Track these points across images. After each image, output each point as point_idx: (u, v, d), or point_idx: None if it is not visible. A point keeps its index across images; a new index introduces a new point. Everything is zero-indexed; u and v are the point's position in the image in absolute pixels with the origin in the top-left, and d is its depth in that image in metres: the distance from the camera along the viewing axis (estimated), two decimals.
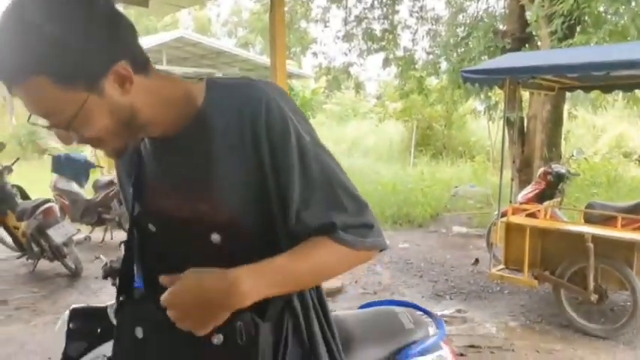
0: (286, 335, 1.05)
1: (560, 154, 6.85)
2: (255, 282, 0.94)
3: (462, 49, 8.86)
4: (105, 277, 1.90)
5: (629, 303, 4.06)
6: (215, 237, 1.01)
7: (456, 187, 8.74)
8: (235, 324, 0.96)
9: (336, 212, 1.00)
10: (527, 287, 4.83)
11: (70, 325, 1.81)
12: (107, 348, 1.79)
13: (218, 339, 0.98)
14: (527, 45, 7.42)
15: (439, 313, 4.60)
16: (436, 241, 7.25)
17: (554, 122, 6.92)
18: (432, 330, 2.22)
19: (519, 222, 4.47)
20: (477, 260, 4.99)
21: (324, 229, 1.00)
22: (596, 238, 4.00)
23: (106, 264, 1.90)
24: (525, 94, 7.41)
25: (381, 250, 1.09)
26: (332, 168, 1.02)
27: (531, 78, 4.65)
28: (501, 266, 4.68)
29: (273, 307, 1.03)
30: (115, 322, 1.82)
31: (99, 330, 1.82)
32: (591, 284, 4.01)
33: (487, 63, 5.56)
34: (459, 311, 4.69)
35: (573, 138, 9.50)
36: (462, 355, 3.82)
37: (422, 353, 2.12)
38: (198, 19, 32.53)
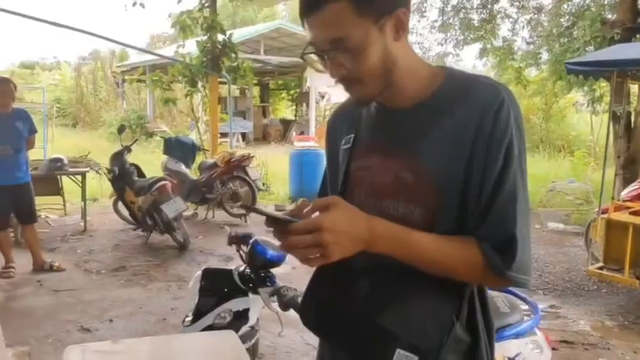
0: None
1: None
2: (386, 241, 1.03)
3: (566, 39, 8.50)
4: (230, 243, 2.17)
5: None
6: (409, 207, 1.10)
7: (554, 182, 8.45)
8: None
9: (501, 230, 1.03)
10: (627, 287, 4.68)
11: (202, 283, 2.10)
12: (233, 304, 2.07)
13: None
14: (638, 36, 7.00)
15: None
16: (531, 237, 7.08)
17: None
18: (527, 315, 2.33)
19: (622, 219, 4.34)
20: None
21: (484, 238, 1.04)
22: None
23: (230, 232, 2.17)
24: (634, 88, 7.02)
25: (518, 286, 1.07)
26: (518, 194, 1.04)
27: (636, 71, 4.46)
28: (600, 264, 4.57)
29: (466, 311, 1.09)
30: (238, 281, 2.11)
31: (225, 289, 2.09)
32: None
33: (594, 54, 5.36)
34: (552, 307, 4.64)
35: None
36: (554, 349, 3.81)
37: (516, 336, 2.24)
38: (293, 9, 33.19)
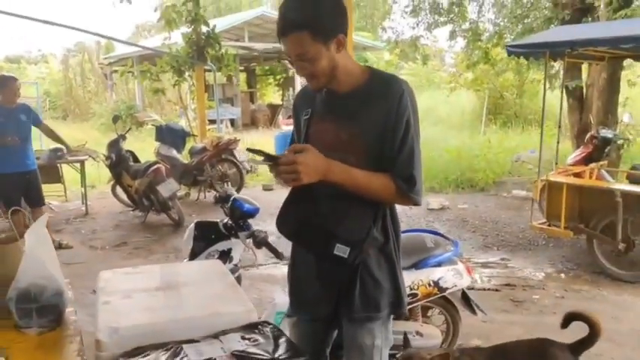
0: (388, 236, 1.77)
1: (616, 120, 7.10)
2: (336, 174, 1.64)
3: (529, 20, 9.09)
4: (216, 202, 2.80)
5: None
6: (345, 156, 1.68)
7: (518, 153, 9.11)
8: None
9: (406, 171, 1.67)
10: (568, 240, 5.36)
11: (195, 232, 2.73)
12: (219, 246, 2.71)
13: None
14: (588, 16, 7.60)
15: (484, 260, 5.29)
16: (494, 203, 7.78)
17: (611, 90, 7.14)
18: (449, 250, 2.98)
19: (558, 180, 5.00)
20: None
21: (396, 175, 1.67)
22: (624, 194, 4.49)
23: (216, 195, 2.79)
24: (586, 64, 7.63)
25: (414, 204, 1.73)
26: (415, 148, 1.69)
27: (570, 50, 5.06)
28: (543, 220, 5.24)
29: (380, 220, 1.73)
30: (223, 230, 2.73)
31: (213, 236, 2.72)
32: (619, 235, 4.52)
33: (531, 37, 5.97)
34: (502, 259, 5.32)
35: (633, 104, 9.44)
36: (497, 290, 4.50)
37: (439, 264, 2.91)
38: None
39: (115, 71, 20.15)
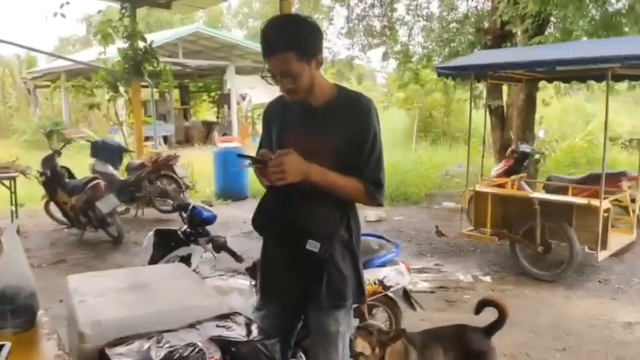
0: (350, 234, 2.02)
1: (533, 137, 7.78)
2: (316, 175, 1.86)
3: (454, 44, 9.76)
4: (173, 211, 2.94)
5: (567, 253, 5.03)
6: (316, 161, 1.88)
7: (446, 168, 9.69)
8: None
9: (374, 176, 1.93)
10: (493, 244, 5.82)
11: (154, 239, 2.84)
12: (179, 252, 2.83)
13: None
14: (507, 41, 8.31)
15: (420, 266, 5.63)
16: (427, 215, 8.24)
17: (528, 109, 7.85)
18: (392, 252, 3.25)
19: (484, 190, 5.45)
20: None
21: (366, 179, 1.92)
22: (542, 202, 4.98)
23: (173, 203, 2.92)
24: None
25: (378, 205, 2.00)
26: (381, 155, 1.96)
27: (492, 72, 5.58)
28: (471, 227, 5.68)
29: (345, 219, 1.98)
30: (182, 236, 2.86)
31: (172, 243, 2.84)
32: (538, 239, 5.00)
33: (458, 60, 6.51)
34: (436, 265, 5.69)
35: (548, 122, 10.35)
36: (432, 292, 4.84)
37: (383, 264, 3.17)
38: (210, 11, 33.39)
39: (47, 86, 19.38)
